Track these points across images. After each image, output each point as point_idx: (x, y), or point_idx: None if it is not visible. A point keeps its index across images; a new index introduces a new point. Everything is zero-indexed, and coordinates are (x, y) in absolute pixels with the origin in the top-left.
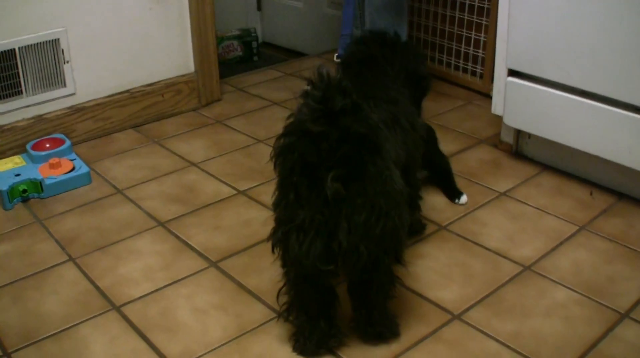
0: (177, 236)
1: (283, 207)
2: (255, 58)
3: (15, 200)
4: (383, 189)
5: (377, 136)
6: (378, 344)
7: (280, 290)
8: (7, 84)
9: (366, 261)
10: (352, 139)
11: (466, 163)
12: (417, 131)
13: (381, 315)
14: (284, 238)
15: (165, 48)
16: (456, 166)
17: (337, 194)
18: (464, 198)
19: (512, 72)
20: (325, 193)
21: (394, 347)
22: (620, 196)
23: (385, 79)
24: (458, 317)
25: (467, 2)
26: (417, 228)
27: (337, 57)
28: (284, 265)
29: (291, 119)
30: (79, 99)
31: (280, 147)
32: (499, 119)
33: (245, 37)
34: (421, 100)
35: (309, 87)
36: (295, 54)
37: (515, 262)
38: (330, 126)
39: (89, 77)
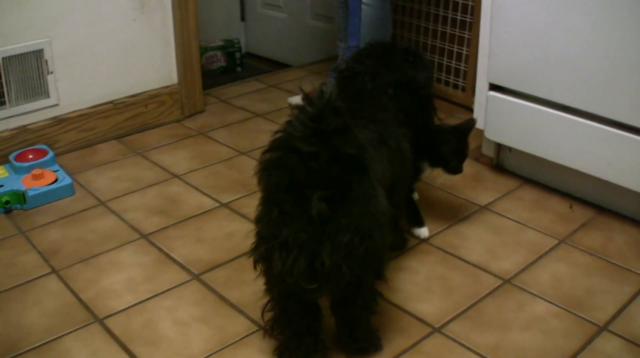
0: (159, 249)
1: (266, 223)
2: (239, 69)
3: None
4: (367, 210)
5: (364, 157)
6: None
7: (265, 306)
8: None
9: (348, 280)
10: (341, 161)
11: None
12: (404, 152)
13: (364, 331)
14: (267, 254)
15: (149, 59)
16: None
17: (322, 214)
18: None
19: (494, 87)
20: (310, 212)
21: None
22: (600, 209)
23: (371, 96)
24: (438, 330)
25: (450, 15)
26: (398, 244)
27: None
28: (267, 282)
29: (279, 134)
30: (63, 109)
31: (266, 161)
32: (480, 132)
33: (229, 48)
34: (424, 109)
35: (304, 103)
36: (278, 65)
37: (495, 275)
38: (322, 146)
39: (73, 88)
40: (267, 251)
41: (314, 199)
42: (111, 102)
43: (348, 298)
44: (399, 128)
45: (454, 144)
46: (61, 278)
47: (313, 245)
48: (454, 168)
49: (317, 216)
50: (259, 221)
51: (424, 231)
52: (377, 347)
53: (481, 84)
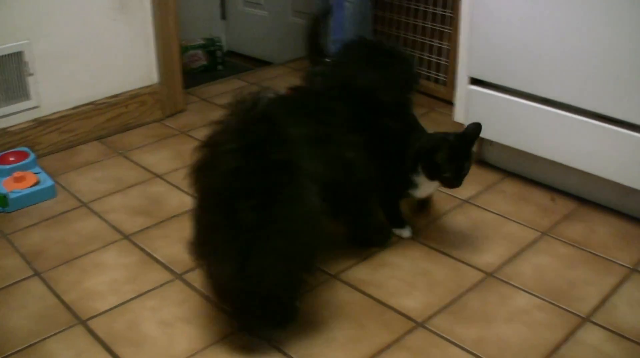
0: (142, 249)
1: (200, 227)
2: (220, 67)
3: None
4: (295, 213)
5: (293, 158)
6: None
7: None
8: None
9: (281, 278)
10: (267, 168)
11: None
12: (346, 153)
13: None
14: (201, 256)
15: (129, 59)
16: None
17: (249, 223)
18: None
19: (474, 81)
20: (238, 221)
21: (357, 355)
22: (582, 201)
23: (318, 98)
24: (422, 325)
25: (431, 10)
26: (377, 241)
27: None
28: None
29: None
30: (43, 111)
31: (195, 172)
32: (461, 127)
33: (210, 47)
34: (386, 113)
35: (230, 113)
36: (260, 62)
37: (478, 269)
38: (248, 155)
39: (53, 90)
40: (201, 254)
41: (241, 209)
42: (92, 103)
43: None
44: (341, 131)
45: (447, 153)
46: (44, 281)
47: (242, 252)
48: (448, 180)
49: (245, 226)
50: (195, 222)
51: (405, 232)
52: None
53: (461, 78)
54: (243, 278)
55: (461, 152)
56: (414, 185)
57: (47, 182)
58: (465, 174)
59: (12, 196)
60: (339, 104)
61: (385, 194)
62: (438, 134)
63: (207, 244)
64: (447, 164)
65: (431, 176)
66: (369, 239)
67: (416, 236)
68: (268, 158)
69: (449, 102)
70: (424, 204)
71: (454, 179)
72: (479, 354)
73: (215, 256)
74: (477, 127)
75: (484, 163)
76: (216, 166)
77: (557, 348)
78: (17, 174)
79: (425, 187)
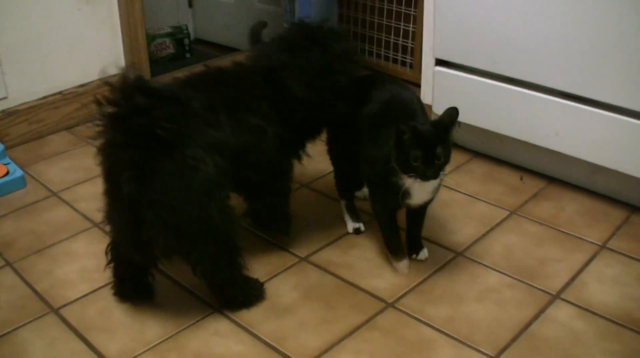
0: None
1: (105, 200)
2: (188, 55)
3: None
4: (181, 182)
5: (180, 130)
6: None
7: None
8: None
9: (173, 249)
10: (147, 142)
11: None
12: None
13: (234, 289)
14: (110, 227)
15: (95, 48)
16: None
17: (132, 194)
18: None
19: (440, 62)
20: (123, 192)
21: (329, 336)
22: (551, 180)
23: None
24: (392, 305)
25: None
26: (282, 229)
27: None
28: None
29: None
30: (11, 102)
31: (100, 148)
32: (428, 108)
33: (177, 35)
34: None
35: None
36: (227, 49)
37: (447, 248)
38: (120, 130)
39: (21, 81)
40: (109, 225)
41: (123, 181)
42: (60, 93)
43: (204, 267)
44: (253, 98)
45: (413, 138)
46: (15, 271)
47: (134, 223)
48: (419, 171)
49: (128, 197)
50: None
51: (401, 265)
52: (251, 297)
53: (427, 59)
54: (137, 247)
55: (432, 137)
56: (397, 187)
57: (17, 173)
58: (441, 164)
59: None
60: (255, 78)
61: (373, 206)
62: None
63: (109, 215)
64: (414, 150)
65: (404, 169)
66: (273, 223)
67: None
68: (150, 131)
69: (416, 85)
70: (415, 218)
71: (425, 168)
72: (449, 333)
73: (114, 226)
74: (452, 111)
75: (452, 144)
76: (108, 142)
77: (527, 325)
78: None
79: (414, 189)
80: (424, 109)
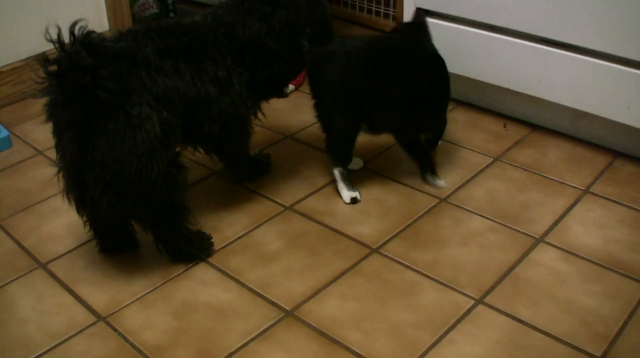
0: None
1: (57, 163)
2: (172, 14)
3: None
4: (122, 143)
5: (122, 86)
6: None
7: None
8: None
9: (116, 209)
10: (86, 101)
11: None
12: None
13: (179, 241)
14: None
15: (77, 8)
16: None
17: (70, 154)
18: (440, 182)
19: (421, 11)
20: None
21: (314, 282)
22: (534, 127)
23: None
24: (376, 250)
25: None
26: (261, 170)
27: None
28: None
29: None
30: None
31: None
32: None
33: None
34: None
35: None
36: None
37: (430, 195)
38: (62, 89)
39: (3, 42)
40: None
41: (63, 140)
42: (43, 53)
43: (146, 225)
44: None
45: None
46: (3, 228)
47: (79, 182)
48: None
49: (69, 157)
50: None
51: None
52: (192, 252)
53: (408, 9)
54: (84, 206)
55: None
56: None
57: (2, 133)
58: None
59: None
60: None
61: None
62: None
63: (61, 173)
64: None
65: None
66: (253, 170)
67: (368, 166)
68: (92, 91)
69: None
70: None
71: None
72: (434, 276)
73: (65, 184)
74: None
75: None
76: (51, 102)
77: (511, 268)
78: None
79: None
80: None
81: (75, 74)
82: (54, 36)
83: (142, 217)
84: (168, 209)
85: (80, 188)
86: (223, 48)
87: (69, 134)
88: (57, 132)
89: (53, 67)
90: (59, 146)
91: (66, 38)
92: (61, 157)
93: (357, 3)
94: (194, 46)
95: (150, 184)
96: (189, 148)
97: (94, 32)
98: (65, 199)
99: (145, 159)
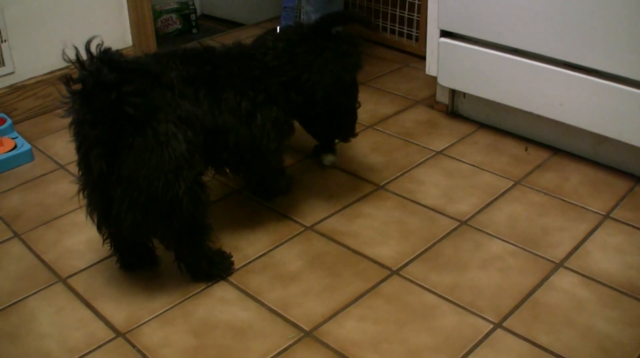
0: None
1: (80, 177)
2: (195, 31)
3: None
4: (150, 160)
5: (147, 103)
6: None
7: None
8: None
9: (140, 226)
10: (114, 118)
11: (403, 124)
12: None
13: (202, 261)
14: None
15: (102, 23)
16: (393, 127)
17: (100, 171)
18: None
19: (445, 33)
20: (91, 168)
21: (333, 303)
22: (555, 151)
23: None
24: (396, 273)
25: None
26: (282, 188)
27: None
28: None
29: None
30: (19, 77)
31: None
32: (434, 80)
33: (184, 10)
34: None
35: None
36: (233, 24)
37: (451, 218)
38: (87, 107)
39: (28, 55)
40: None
41: (91, 158)
42: (67, 67)
43: (169, 243)
44: (240, 80)
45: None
46: (23, 242)
47: (104, 199)
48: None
49: (97, 174)
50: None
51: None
52: (213, 273)
53: (432, 31)
54: (108, 223)
55: None
56: None
57: (25, 146)
58: None
59: None
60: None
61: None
62: None
63: (84, 190)
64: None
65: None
66: (272, 189)
67: (389, 187)
68: (118, 108)
69: (422, 57)
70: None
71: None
72: (453, 300)
73: (88, 201)
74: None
75: (457, 115)
76: (76, 120)
77: (530, 293)
78: None
79: None
80: None
81: (100, 91)
82: (72, 56)
83: (165, 235)
84: (191, 228)
85: (106, 204)
86: (262, 86)
87: (97, 151)
88: (82, 150)
89: (77, 86)
90: (83, 163)
91: (83, 56)
92: (85, 174)
93: (380, 23)
94: (217, 75)
95: (176, 201)
96: (211, 170)
97: (110, 48)
98: (88, 216)
99: (172, 177)
